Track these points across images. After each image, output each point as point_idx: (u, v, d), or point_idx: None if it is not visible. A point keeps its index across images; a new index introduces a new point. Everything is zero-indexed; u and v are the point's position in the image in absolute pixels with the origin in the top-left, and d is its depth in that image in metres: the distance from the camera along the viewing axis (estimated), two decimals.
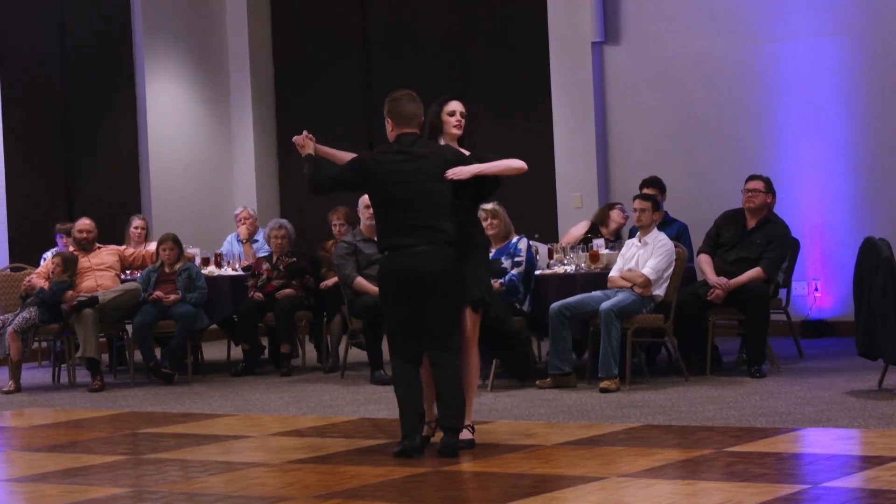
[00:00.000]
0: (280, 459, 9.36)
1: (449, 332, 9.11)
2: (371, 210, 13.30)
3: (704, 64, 16.07)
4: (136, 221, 15.25)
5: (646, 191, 13.20)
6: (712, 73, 16.05)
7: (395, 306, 9.14)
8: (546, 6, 16.85)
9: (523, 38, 17.57)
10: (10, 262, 15.83)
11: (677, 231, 13.26)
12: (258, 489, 8.46)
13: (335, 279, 13.74)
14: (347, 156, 9.61)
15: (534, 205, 16.52)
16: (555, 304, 12.12)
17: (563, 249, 12.98)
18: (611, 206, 13.79)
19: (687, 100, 16.20)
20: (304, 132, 9.59)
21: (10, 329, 13.61)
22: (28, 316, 13.67)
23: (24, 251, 15.74)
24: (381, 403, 11.71)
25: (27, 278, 13.95)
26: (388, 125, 9.33)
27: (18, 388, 13.59)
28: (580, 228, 13.77)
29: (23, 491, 8.85)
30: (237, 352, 14.83)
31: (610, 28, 16.59)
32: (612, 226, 13.57)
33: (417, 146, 9.21)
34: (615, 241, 13.16)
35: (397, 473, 8.61)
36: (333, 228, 14.48)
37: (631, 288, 12.14)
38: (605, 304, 11.98)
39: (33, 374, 14.77)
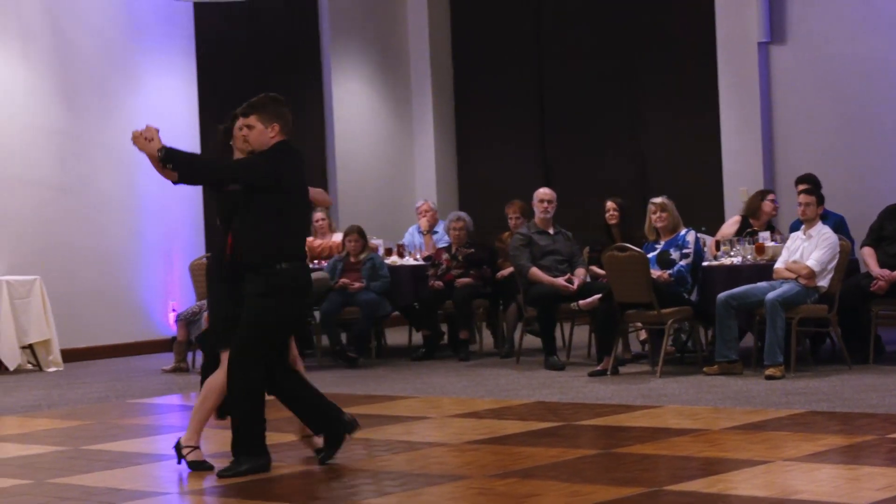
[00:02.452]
0: (458, 440, 9.38)
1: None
2: (545, 204, 13.32)
3: (869, 63, 15.78)
4: (317, 214, 15.39)
5: (801, 187, 13.00)
6: (877, 71, 15.75)
7: (292, 321, 8.44)
8: (713, 7, 16.67)
9: (691, 39, 17.41)
10: (206, 251, 16.08)
11: (834, 224, 13.02)
12: (438, 468, 8.49)
13: (511, 269, 13.74)
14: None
15: (701, 199, 16.37)
16: (721, 295, 12.00)
17: (730, 242, 12.83)
18: (762, 196, 13.52)
19: (851, 98, 15.92)
20: (148, 125, 8.16)
21: (206, 314, 13.82)
22: None
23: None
24: (555, 388, 11.69)
25: None
26: (272, 130, 8.24)
27: None
28: (731, 226, 13.59)
29: (218, 466, 8.97)
30: (418, 337, 14.90)
31: (776, 28, 16.37)
32: (764, 217, 13.31)
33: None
34: (774, 232, 12.97)
35: (570, 455, 8.59)
36: (510, 221, 14.48)
37: (796, 279, 11.98)
38: (770, 295, 11.83)
39: None
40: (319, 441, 8.68)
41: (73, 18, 15.40)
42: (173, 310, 15.69)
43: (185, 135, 16.33)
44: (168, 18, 16.20)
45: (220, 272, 8.39)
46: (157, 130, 8.06)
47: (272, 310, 8.18)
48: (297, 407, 8.55)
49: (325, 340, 14.37)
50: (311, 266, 14.19)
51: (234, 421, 8.34)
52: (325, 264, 14.38)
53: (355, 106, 18.63)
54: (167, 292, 16.06)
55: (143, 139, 8.03)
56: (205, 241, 16.43)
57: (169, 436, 10.42)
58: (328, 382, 12.76)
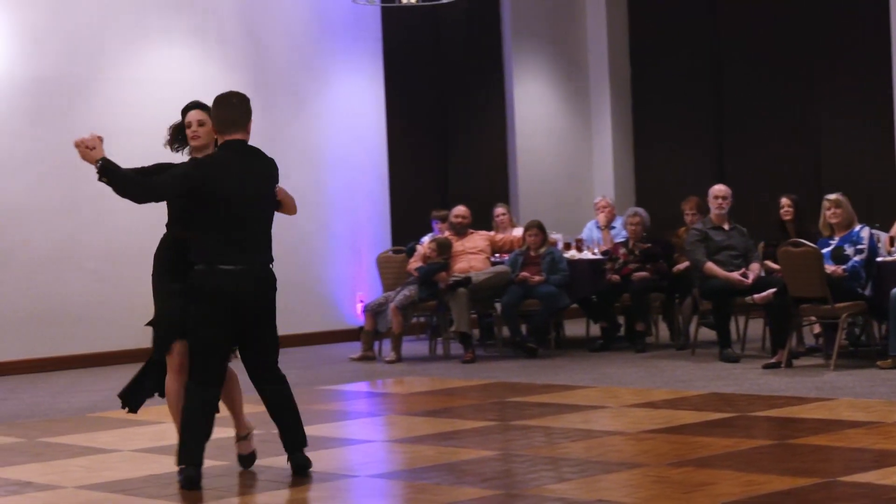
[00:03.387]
0: (635, 429, 9.35)
1: (277, 354, 8.06)
2: (720, 200, 13.19)
3: None
4: (498, 209, 15.44)
5: None
6: None
7: (218, 327, 7.72)
8: (888, 9, 16.34)
9: (867, 35, 17.09)
10: (392, 245, 16.24)
11: None
12: (615, 455, 8.47)
13: (687, 264, 13.64)
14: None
15: (875, 195, 16.07)
16: (895, 290, 11.78)
17: None
18: None
19: None
20: (92, 133, 7.67)
21: (392, 305, 13.96)
22: (408, 294, 14.00)
23: (405, 236, 16.10)
24: (729, 379, 11.58)
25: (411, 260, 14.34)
26: (212, 127, 7.86)
27: (399, 359, 13.92)
28: None
29: (403, 451, 9.07)
30: (595, 329, 14.86)
31: None
32: None
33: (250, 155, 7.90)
34: None
35: (744, 445, 8.50)
36: (686, 217, 14.37)
37: None
38: None
39: (412, 347, 15.10)
40: (248, 448, 8.24)
41: (267, 23, 15.64)
42: (360, 301, 15.85)
43: (372, 135, 16.53)
44: (356, 22, 16.38)
45: (165, 269, 7.92)
46: (101, 140, 7.58)
47: (190, 313, 7.70)
48: (282, 414, 8.07)
49: (505, 331, 14.41)
50: (492, 260, 14.38)
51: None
52: (507, 258, 14.42)
53: (536, 105, 18.64)
54: (355, 284, 16.24)
55: (85, 147, 7.52)
56: (391, 234, 16.58)
57: (357, 421, 10.55)
58: (509, 372, 12.79)
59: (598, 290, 14.33)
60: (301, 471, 7.99)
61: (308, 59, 16.01)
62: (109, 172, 7.47)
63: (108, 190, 13.39)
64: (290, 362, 14.03)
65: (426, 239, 14.87)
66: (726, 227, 13.26)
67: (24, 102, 13.92)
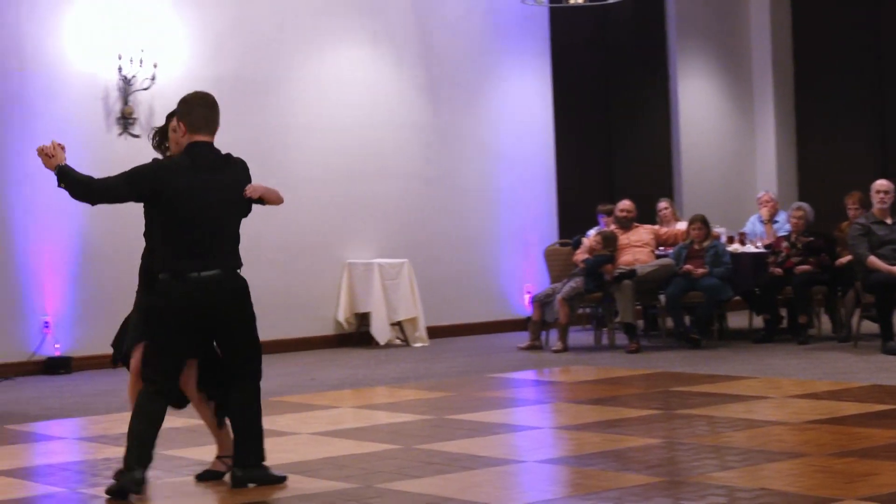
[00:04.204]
0: (797, 419, 9.23)
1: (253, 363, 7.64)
2: (882, 194, 12.94)
3: None
4: (662, 203, 15.34)
5: None
6: None
7: (178, 336, 7.30)
8: None
9: None
10: (559, 238, 16.22)
11: None
12: (778, 445, 8.37)
13: (849, 257, 13.41)
14: None
15: None
16: None
17: None
18: None
19: None
20: (53, 141, 7.39)
21: (559, 296, 13.96)
22: (575, 285, 13.99)
23: (571, 229, 16.06)
24: (892, 371, 11.37)
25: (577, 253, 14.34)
26: (181, 129, 7.46)
27: (565, 348, 13.90)
28: None
29: (569, 437, 9.07)
30: (758, 321, 14.68)
31: None
32: None
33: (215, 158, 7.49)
34: None
35: None
36: (848, 211, 14.13)
37: None
38: None
39: (578, 337, 15.07)
40: (222, 467, 7.71)
41: (438, 24, 15.73)
42: (528, 292, 15.87)
43: (540, 131, 16.53)
44: (525, 21, 16.38)
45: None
46: (62, 147, 7.30)
47: (149, 323, 7.35)
48: (237, 424, 7.50)
49: (669, 322, 14.31)
50: (656, 253, 14.29)
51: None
52: (671, 251, 14.32)
53: (699, 101, 18.46)
54: (523, 276, 16.25)
55: (45, 155, 7.26)
56: (558, 228, 16.56)
57: (524, 408, 10.56)
58: (672, 362, 12.70)
59: (761, 282, 14.15)
60: (239, 485, 7.42)
61: (477, 58, 16.06)
62: (66, 177, 7.20)
63: (290, 184, 13.70)
64: (460, 350, 14.17)
65: (592, 232, 14.82)
66: (889, 221, 13.01)
67: None
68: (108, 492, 7.23)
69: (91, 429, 9.98)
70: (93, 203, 7.44)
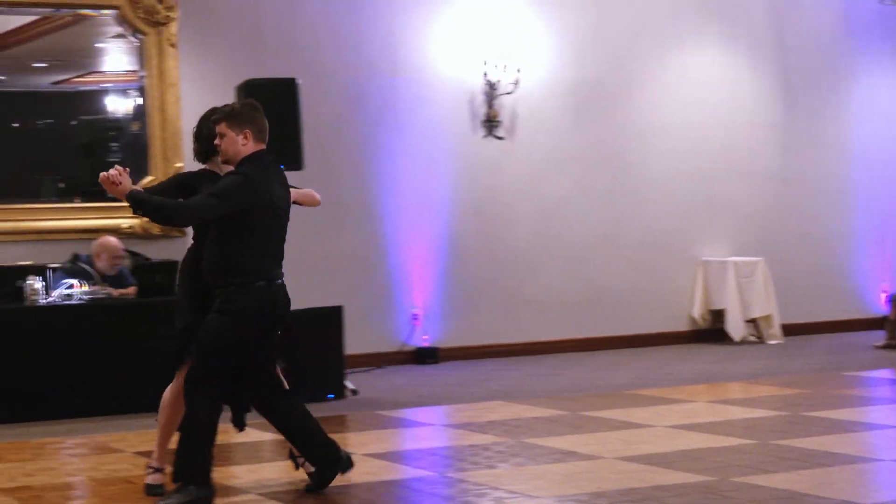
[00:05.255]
0: None
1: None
2: None
3: None
4: None
5: None
6: None
7: (248, 343, 7.00)
8: None
9: None
10: None
11: None
12: None
13: None
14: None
15: None
16: None
17: None
18: None
19: None
20: (117, 167, 6.86)
21: None
22: None
23: None
24: None
25: None
26: (244, 137, 6.98)
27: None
28: None
29: None
30: None
31: None
32: None
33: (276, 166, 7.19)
34: None
35: None
36: None
37: None
38: None
39: None
40: (160, 479, 7.31)
41: (794, 26, 15.41)
42: (885, 291, 15.41)
43: None
44: (882, 22, 15.88)
45: (188, 279, 7.30)
46: (127, 171, 6.84)
47: (227, 329, 6.89)
48: (291, 432, 7.29)
49: None
50: None
51: (179, 445, 7.00)
52: None
53: None
54: (879, 274, 15.78)
55: (110, 183, 6.79)
56: None
57: (880, 407, 10.26)
58: None
59: None
60: (320, 486, 7.29)
61: (834, 59, 15.66)
62: (142, 203, 6.79)
63: (646, 183, 13.64)
64: (815, 347, 13.88)
65: None
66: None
67: (569, 103, 14.31)
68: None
69: (457, 416, 10.23)
70: (178, 224, 7.10)
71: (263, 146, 7.00)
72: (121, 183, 6.77)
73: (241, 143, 6.93)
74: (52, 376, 10.11)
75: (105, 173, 6.78)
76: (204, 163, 7.45)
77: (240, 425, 7.25)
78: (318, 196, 7.71)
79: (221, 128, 6.97)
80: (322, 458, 7.27)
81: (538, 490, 7.22)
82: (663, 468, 7.71)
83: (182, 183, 7.33)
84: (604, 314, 14.36)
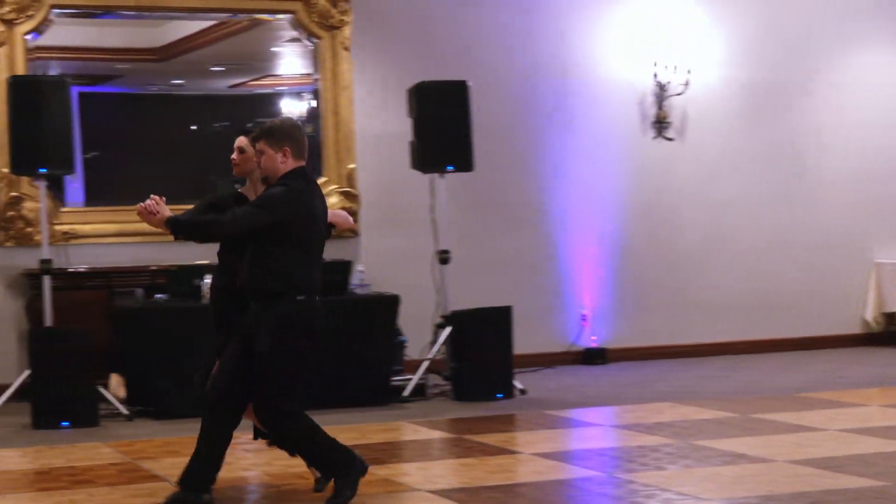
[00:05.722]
0: None
1: None
2: None
3: None
4: None
5: None
6: None
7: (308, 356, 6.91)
8: None
9: None
10: None
11: None
12: None
13: None
14: None
15: None
16: None
17: None
18: None
19: None
20: (153, 196, 6.76)
21: None
22: None
23: None
24: None
25: None
26: (283, 154, 6.83)
27: None
28: None
29: None
30: None
31: None
32: None
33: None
34: None
35: None
36: None
37: None
38: None
39: None
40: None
41: None
42: None
43: None
44: None
45: (222, 300, 7.20)
46: (163, 200, 6.75)
47: (280, 344, 6.74)
48: (304, 449, 7.04)
49: None
50: None
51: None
52: None
53: None
54: None
55: (148, 213, 6.71)
56: None
57: None
58: None
59: None
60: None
61: None
62: (180, 228, 6.73)
63: (820, 185, 13.40)
64: None
65: None
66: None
67: (740, 104, 14.14)
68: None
69: (625, 417, 10.19)
70: (220, 239, 7.04)
71: (303, 163, 6.91)
72: (158, 212, 6.71)
73: (279, 161, 6.82)
74: None
75: (142, 204, 6.71)
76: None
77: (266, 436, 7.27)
78: (351, 219, 7.52)
79: (260, 145, 6.87)
80: (335, 471, 7.01)
81: (707, 492, 7.15)
82: (835, 472, 7.57)
83: (213, 206, 7.28)
84: (774, 316, 14.16)
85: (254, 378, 6.76)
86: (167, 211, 6.72)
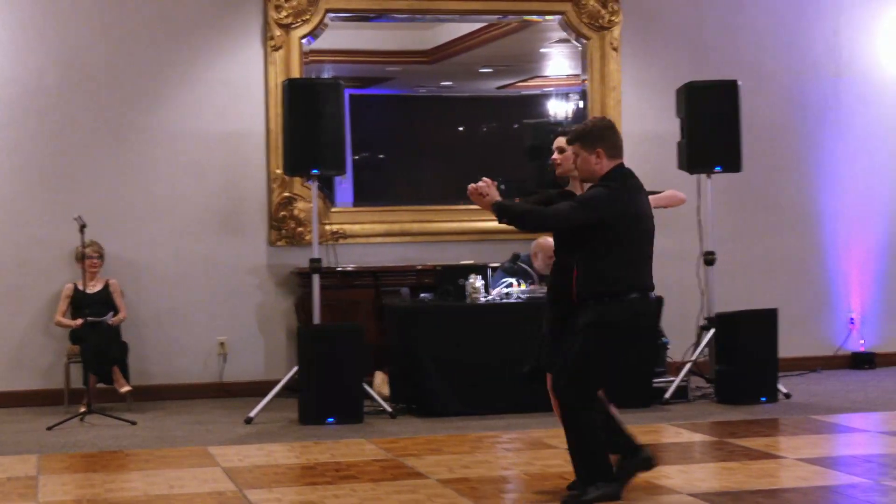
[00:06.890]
0: None
1: None
2: None
3: None
4: None
5: None
6: None
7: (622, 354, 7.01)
8: None
9: None
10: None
11: None
12: None
13: None
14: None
15: None
16: None
17: None
18: None
19: None
20: (484, 178, 6.96)
21: None
22: None
23: None
24: None
25: None
26: (596, 156, 6.91)
27: None
28: None
29: None
30: None
31: None
32: None
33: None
34: None
35: None
36: None
37: None
38: None
39: None
40: None
41: None
42: None
43: None
44: None
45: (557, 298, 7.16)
46: (494, 184, 6.94)
47: (604, 343, 6.84)
48: (573, 442, 7.04)
49: None
50: None
51: (579, 458, 7.00)
52: None
53: None
54: None
55: (478, 194, 6.91)
56: None
57: None
58: None
59: None
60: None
61: None
62: (506, 212, 6.90)
63: None
64: None
65: None
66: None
67: None
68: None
69: (893, 423, 9.91)
70: (541, 230, 7.35)
71: (620, 161, 7.01)
72: (488, 194, 6.91)
73: (594, 162, 6.95)
74: (492, 372, 10.37)
75: (474, 185, 6.94)
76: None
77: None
78: (681, 194, 7.75)
79: (575, 148, 7.02)
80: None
81: None
82: None
83: (543, 202, 7.39)
84: None
85: (568, 357, 6.89)
86: (497, 195, 6.92)
